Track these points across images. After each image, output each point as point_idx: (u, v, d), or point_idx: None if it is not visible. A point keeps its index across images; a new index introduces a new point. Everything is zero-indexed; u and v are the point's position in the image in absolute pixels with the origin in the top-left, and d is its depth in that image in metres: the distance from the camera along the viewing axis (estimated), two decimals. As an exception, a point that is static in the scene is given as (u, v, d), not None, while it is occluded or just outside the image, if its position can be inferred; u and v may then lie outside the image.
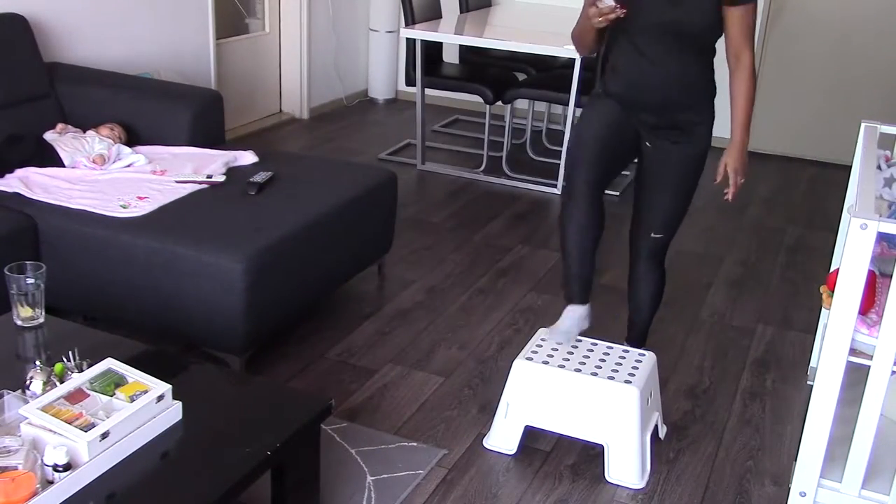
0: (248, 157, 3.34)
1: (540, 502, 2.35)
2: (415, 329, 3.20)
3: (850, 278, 1.91)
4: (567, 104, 4.56)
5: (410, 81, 4.97)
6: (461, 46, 5.35)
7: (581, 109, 2.74)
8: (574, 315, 2.63)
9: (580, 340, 2.62)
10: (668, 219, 2.66)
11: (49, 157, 3.10)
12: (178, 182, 3.04)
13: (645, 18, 2.40)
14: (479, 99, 4.83)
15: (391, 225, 3.45)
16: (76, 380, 1.82)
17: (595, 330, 2.73)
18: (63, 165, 3.11)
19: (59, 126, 3.31)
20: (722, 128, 2.62)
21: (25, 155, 3.07)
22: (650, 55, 2.44)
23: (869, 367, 1.99)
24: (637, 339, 2.85)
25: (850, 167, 2.90)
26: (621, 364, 2.50)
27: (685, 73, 2.46)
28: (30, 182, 2.98)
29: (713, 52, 2.48)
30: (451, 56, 5.36)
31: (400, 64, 6.28)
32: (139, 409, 1.75)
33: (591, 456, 2.53)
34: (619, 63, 2.51)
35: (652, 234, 2.67)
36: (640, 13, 2.39)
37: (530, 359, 2.50)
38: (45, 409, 1.71)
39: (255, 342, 2.77)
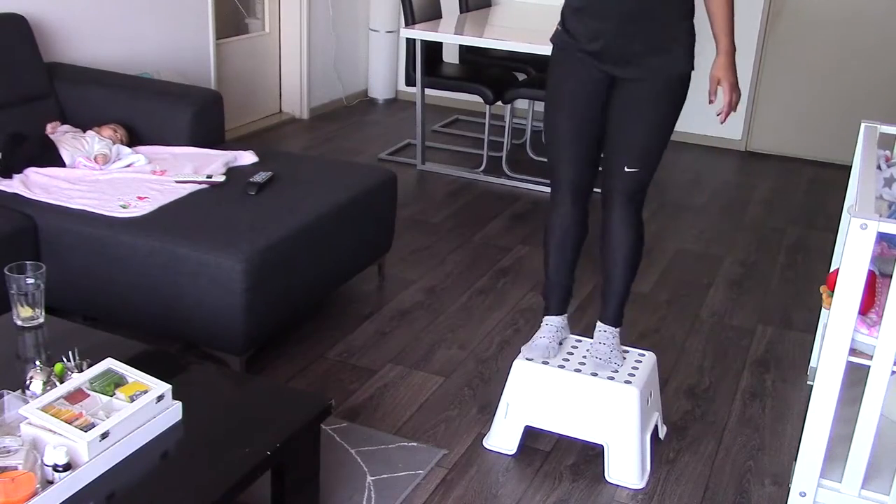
0: (248, 157, 3.34)
1: (540, 502, 2.35)
2: (415, 329, 3.20)
3: (850, 278, 1.91)
4: (567, 104, 4.55)
5: (410, 81, 4.97)
6: (461, 46, 5.36)
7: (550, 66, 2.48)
8: (551, 328, 2.56)
9: (580, 341, 2.62)
10: (644, 148, 2.35)
11: (53, 156, 3.10)
12: (178, 182, 3.04)
13: None
14: (479, 99, 4.83)
15: (391, 225, 3.45)
16: (76, 380, 1.82)
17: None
18: (64, 165, 3.11)
19: (51, 125, 3.30)
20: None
21: (31, 153, 3.07)
22: None
23: (869, 367, 1.99)
24: (612, 316, 2.54)
25: (850, 167, 2.90)
26: (623, 361, 2.49)
27: None
28: (30, 182, 2.98)
29: None
30: (451, 56, 5.36)
31: (400, 64, 6.28)
32: (139, 409, 1.75)
33: (591, 456, 2.53)
34: None
35: (626, 169, 2.35)
36: None
37: (530, 359, 2.50)
38: (45, 409, 1.71)
39: (255, 342, 2.76)
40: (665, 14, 2.29)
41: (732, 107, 2.39)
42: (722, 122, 2.40)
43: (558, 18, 2.46)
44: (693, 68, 2.35)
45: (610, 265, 2.49)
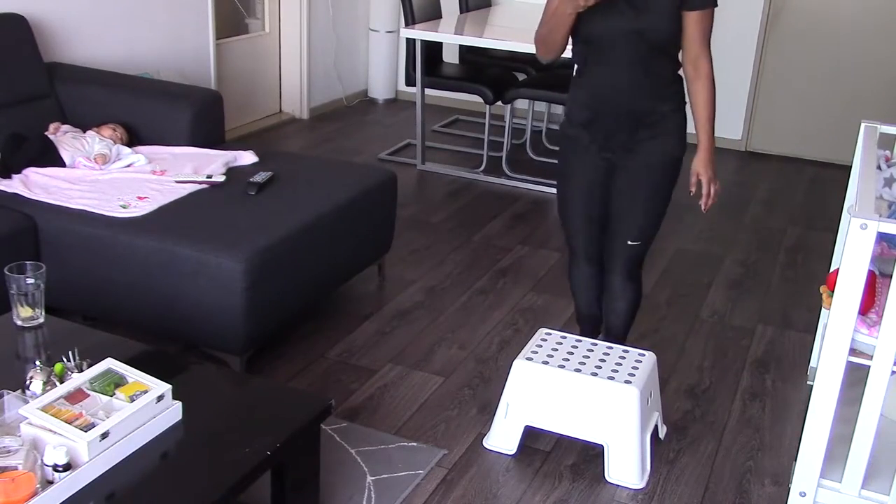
0: (248, 157, 3.34)
1: (540, 502, 2.35)
2: (415, 329, 3.20)
3: (850, 278, 1.91)
4: (567, 104, 4.56)
5: (410, 81, 4.97)
6: (461, 46, 5.35)
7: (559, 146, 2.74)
8: None
9: (580, 341, 2.62)
10: (643, 224, 2.60)
11: (52, 157, 3.11)
12: (178, 182, 3.04)
13: (609, 28, 2.39)
14: (479, 99, 4.83)
15: (391, 225, 3.45)
16: (76, 380, 1.82)
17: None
18: (64, 165, 3.11)
19: (52, 126, 3.30)
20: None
21: (30, 154, 3.07)
22: (615, 64, 2.43)
23: (869, 367, 1.99)
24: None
25: (850, 167, 2.90)
26: (621, 364, 2.49)
27: (650, 80, 2.45)
28: (30, 182, 2.98)
29: (678, 59, 2.49)
30: (451, 56, 5.36)
31: (400, 64, 6.28)
32: (139, 409, 1.75)
33: (591, 456, 2.53)
34: (584, 75, 2.53)
35: (628, 242, 2.60)
36: (605, 23, 2.38)
37: (530, 359, 2.50)
38: (45, 409, 1.71)
39: (255, 342, 2.76)
40: (661, 107, 2.49)
41: (713, 198, 2.57)
42: (704, 211, 2.61)
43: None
44: (685, 152, 2.56)
45: (612, 317, 2.75)
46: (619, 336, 2.77)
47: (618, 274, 2.67)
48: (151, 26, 4.33)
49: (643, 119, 2.48)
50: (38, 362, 1.91)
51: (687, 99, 2.52)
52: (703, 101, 2.48)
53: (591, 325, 2.85)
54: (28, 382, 1.84)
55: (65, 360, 1.92)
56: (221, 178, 3.09)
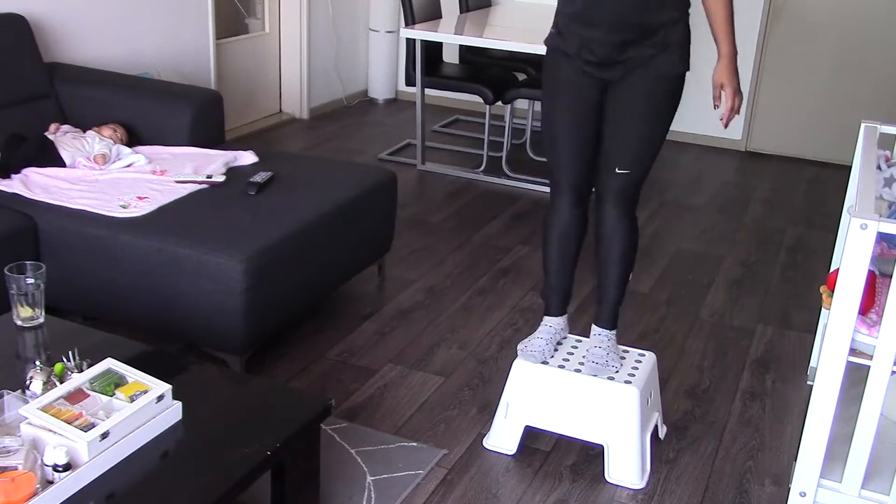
0: (248, 157, 3.34)
1: (540, 502, 2.35)
2: (415, 329, 3.20)
3: (850, 278, 1.91)
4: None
5: (410, 81, 4.97)
6: (461, 46, 5.36)
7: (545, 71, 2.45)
8: (550, 329, 2.56)
9: (580, 341, 2.61)
10: (636, 150, 2.33)
11: (52, 157, 3.11)
12: (178, 182, 3.04)
13: None
14: (479, 99, 4.83)
15: (391, 225, 3.45)
16: (76, 380, 1.82)
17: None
18: (64, 165, 3.11)
19: (53, 126, 3.30)
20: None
21: (29, 154, 3.07)
22: None
23: (869, 367, 1.99)
24: (607, 318, 2.53)
25: (850, 167, 2.90)
26: (621, 364, 2.49)
27: None
28: (30, 182, 2.98)
29: None
30: (451, 56, 5.36)
31: (400, 64, 6.28)
32: (139, 409, 1.75)
33: (591, 456, 2.53)
34: None
35: (616, 170, 2.34)
36: None
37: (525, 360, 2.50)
38: (45, 409, 1.71)
39: (255, 342, 2.77)
40: (657, 18, 2.25)
41: (735, 111, 2.38)
42: (725, 127, 2.40)
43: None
44: (688, 69, 2.34)
45: (604, 264, 2.48)
46: (612, 301, 2.51)
47: (609, 204, 2.40)
48: (151, 26, 4.33)
49: (641, 31, 2.24)
50: (38, 362, 1.91)
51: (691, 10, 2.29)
52: (721, 4, 2.24)
53: (559, 297, 2.57)
54: (28, 382, 1.84)
55: (65, 360, 1.92)
56: (221, 178, 3.09)
